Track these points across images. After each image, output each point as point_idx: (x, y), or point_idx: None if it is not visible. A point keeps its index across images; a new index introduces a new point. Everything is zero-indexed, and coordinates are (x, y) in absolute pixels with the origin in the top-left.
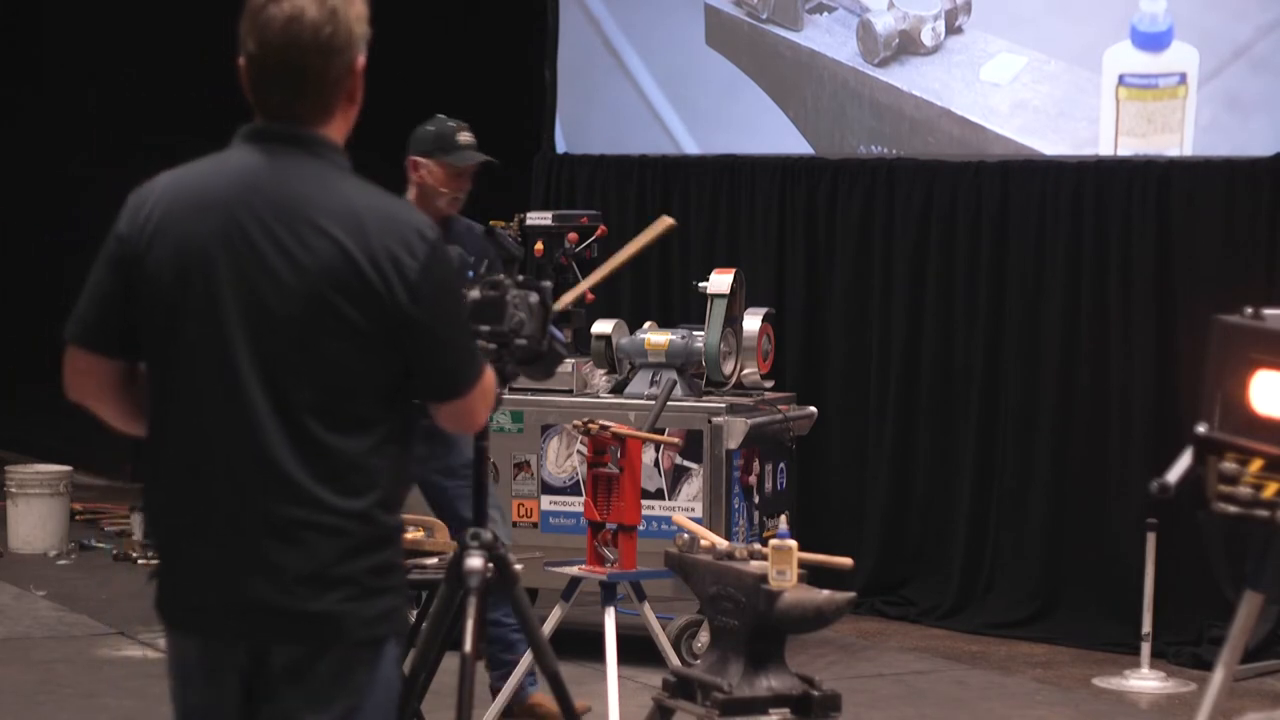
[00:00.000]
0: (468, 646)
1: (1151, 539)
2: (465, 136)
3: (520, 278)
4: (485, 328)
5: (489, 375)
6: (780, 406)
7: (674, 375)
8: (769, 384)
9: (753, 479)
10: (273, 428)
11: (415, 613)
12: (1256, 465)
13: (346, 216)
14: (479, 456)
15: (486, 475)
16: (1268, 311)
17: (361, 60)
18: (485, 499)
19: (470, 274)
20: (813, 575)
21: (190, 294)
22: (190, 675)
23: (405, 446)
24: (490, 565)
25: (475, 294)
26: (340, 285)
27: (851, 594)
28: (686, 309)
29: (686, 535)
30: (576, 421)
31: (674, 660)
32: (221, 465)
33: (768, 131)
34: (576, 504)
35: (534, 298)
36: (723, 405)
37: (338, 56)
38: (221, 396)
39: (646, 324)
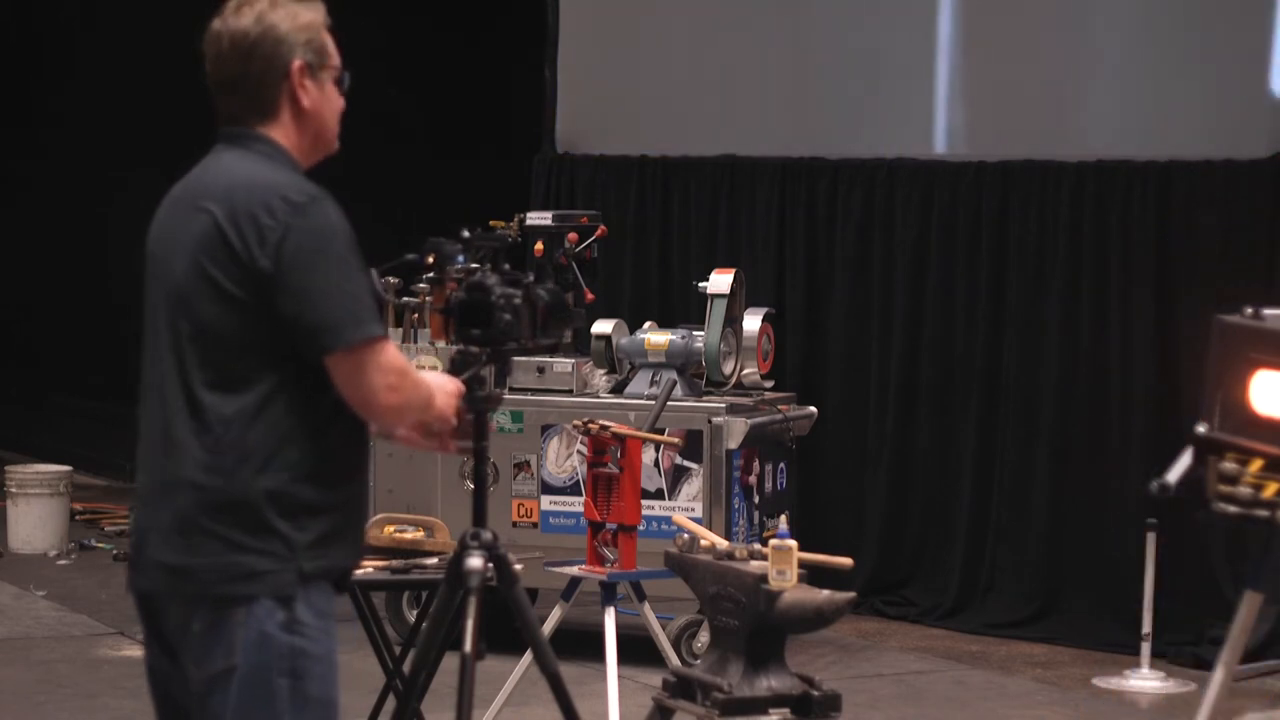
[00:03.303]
0: (468, 646)
1: (1151, 539)
2: None
3: (506, 267)
4: (475, 331)
5: (389, 355)
6: (780, 406)
7: (674, 375)
8: (769, 384)
9: (753, 479)
10: (173, 394)
11: (415, 613)
12: (1256, 465)
13: (222, 191)
14: (479, 457)
15: (486, 476)
16: (1268, 311)
17: (297, 64)
18: (485, 498)
19: (460, 259)
20: (813, 575)
21: (147, 278)
22: (145, 636)
23: (302, 412)
24: (490, 565)
25: (461, 295)
26: (209, 252)
27: (851, 594)
28: (686, 309)
29: (686, 535)
30: (576, 421)
31: (674, 660)
32: (148, 432)
33: (768, 131)
34: (576, 504)
35: (518, 299)
36: (723, 405)
37: (263, 61)
38: (151, 375)
39: (646, 324)
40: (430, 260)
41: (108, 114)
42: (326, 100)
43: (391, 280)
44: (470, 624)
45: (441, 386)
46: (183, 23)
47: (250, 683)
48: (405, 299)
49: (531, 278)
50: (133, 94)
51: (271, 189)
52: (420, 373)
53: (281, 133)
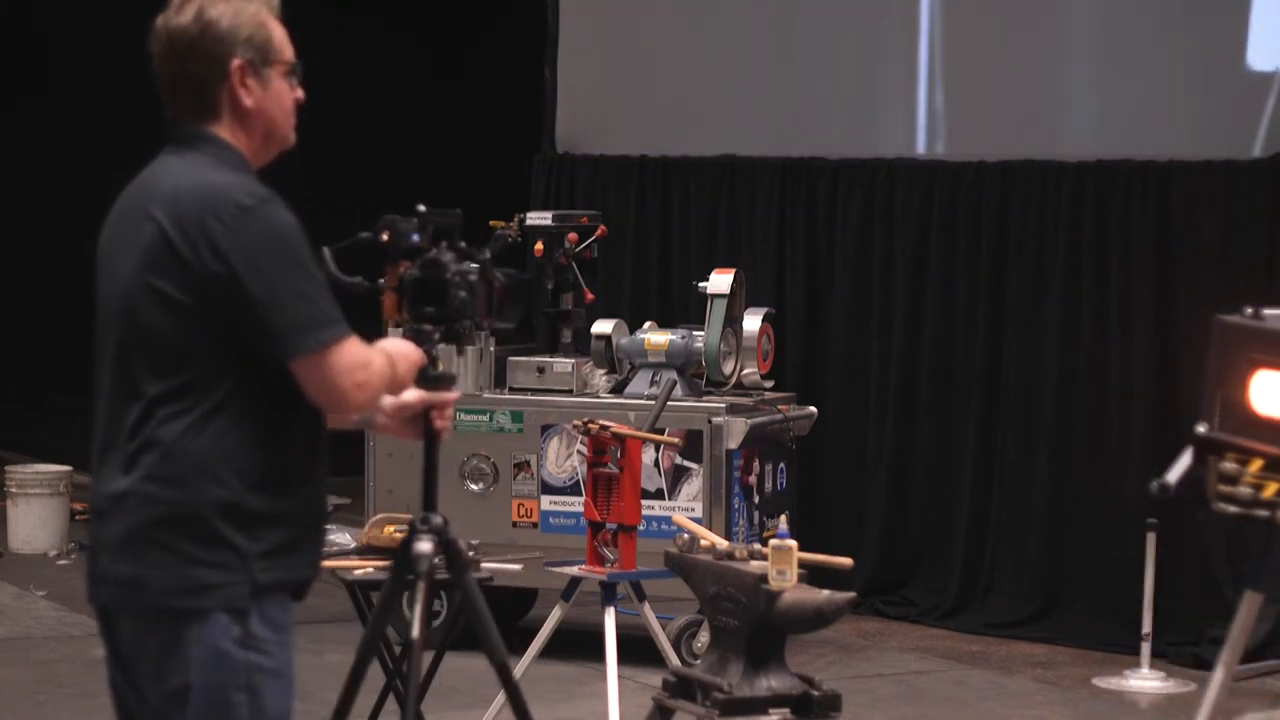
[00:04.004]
0: (415, 633)
1: (1151, 539)
2: None
3: (462, 245)
4: (429, 309)
5: (352, 352)
6: (780, 406)
7: (674, 375)
8: (769, 384)
9: (753, 479)
10: (123, 404)
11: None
12: (1256, 465)
13: (168, 197)
14: (429, 440)
15: (436, 458)
16: (1268, 311)
17: (237, 63)
18: (434, 482)
19: (415, 236)
20: (813, 575)
21: (97, 285)
22: (105, 651)
23: (253, 419)
24: (440, 550)
25: (415, 273)
26: (156, 262)
27: (851, 594)
28: (686, 309)
29: (686, 535)
30: (576, 421)
31: (674, 660)
32: (99, 443)
33: (768, 131)
34: (576, 504)
35: (473, 276)
36: (723, 405)
37: (202, 61)
38: (102, 384)
39: (646, 324)
40: (385, 238)
41: (108, 113)
42: (273, 97)
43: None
44: (418, 611)
45: (405, 355)
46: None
47: (207, 700)
48: None
49: (488, 255)
50: (133, 94)
51: (220, 193)
52: (378, 347)
53: (228, 132)
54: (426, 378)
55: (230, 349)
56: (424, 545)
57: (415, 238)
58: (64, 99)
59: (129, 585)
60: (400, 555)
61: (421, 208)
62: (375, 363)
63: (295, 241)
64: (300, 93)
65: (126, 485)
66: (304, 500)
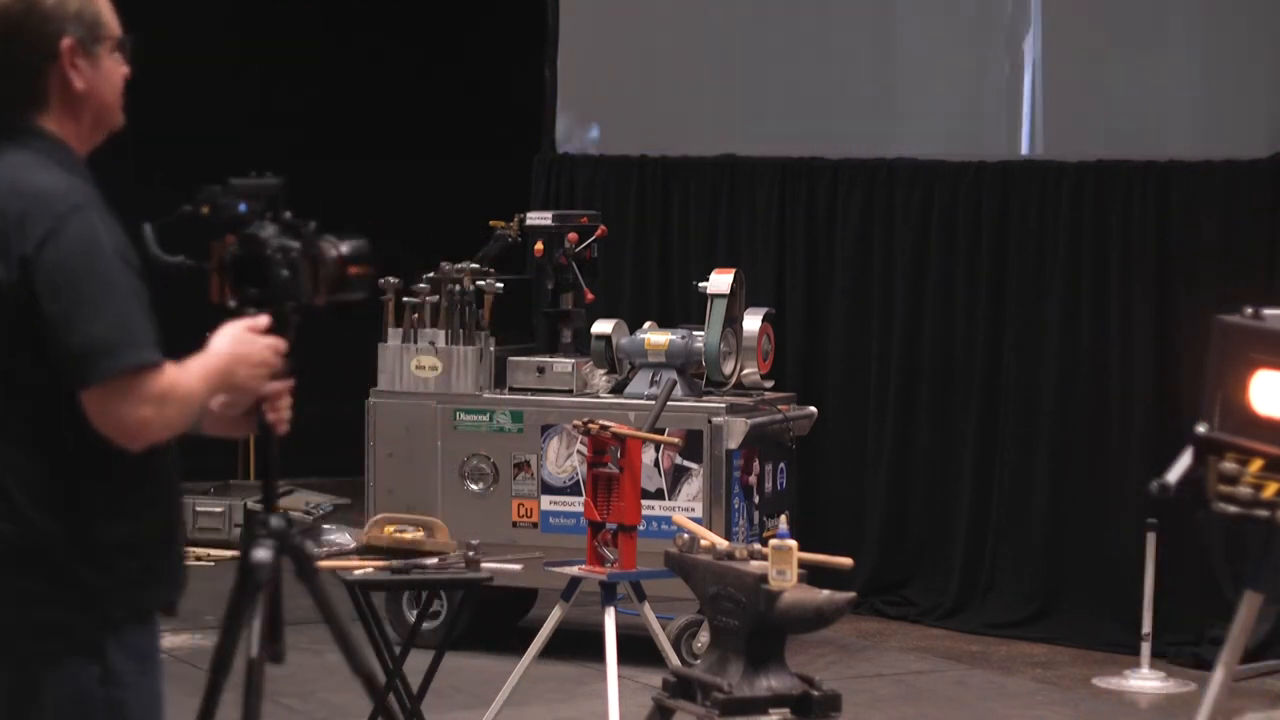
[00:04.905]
0: (254, 650)
1: (1151, 539)
2: None
3: (287, 216)
4: (253, 290)
5: (164, 381)
6: (780, 406)
7: (674, 375)
8: (769, 384)
9: (753, 479)
10: None
11: (415, 612)
12: (1256, 465)
13: None
14: (264, 435)
15: (276, 453)
16: (1268, 311)
17: (67, 44)
18: (275, 478)
19: (242, 207)
20: (813, 575)
21: None
22: None
23: (96, 445)
24: (283, 556)
25: (234, 249)
26: None
27: (851, 594)
28: (686, 309)
29: (686, 535)
30: (576, 421)
31: (674, 660)
32: None
33: (768, 131)
34: (576, 504)
35: (295, 252)
36: (723, 405)
37: (27, 43)
38: None
39: (646, 324)
40: (204, 211)
41: None
42: (103, 77)
43: (392, 280)
44: (258, 624)
45: (242, 359)
46: (168, 20)
47: None
48: (406, 299)
49: (313, 226)
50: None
51: (35, 198)
52: (211, 359)
53: (54, 121)
54: None
55: (48, 370)
56: (263, 553)
57: (243, 208)
58: None
59: None
60: (240, 564)
61: (233, 179)
62: (176, 394)
63: (105, 254)
64: (127, 69)
65: None
66: (158, 523)
